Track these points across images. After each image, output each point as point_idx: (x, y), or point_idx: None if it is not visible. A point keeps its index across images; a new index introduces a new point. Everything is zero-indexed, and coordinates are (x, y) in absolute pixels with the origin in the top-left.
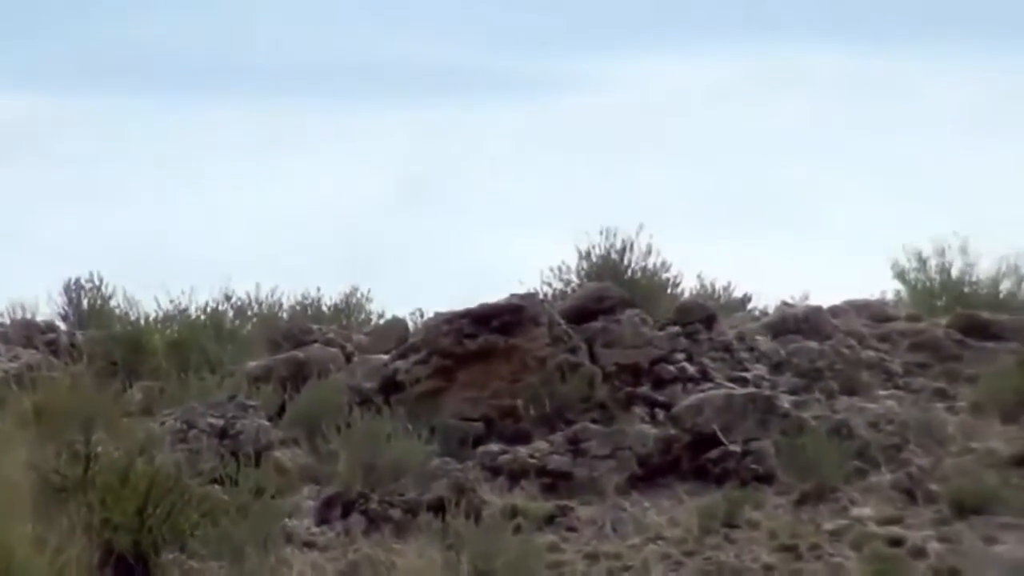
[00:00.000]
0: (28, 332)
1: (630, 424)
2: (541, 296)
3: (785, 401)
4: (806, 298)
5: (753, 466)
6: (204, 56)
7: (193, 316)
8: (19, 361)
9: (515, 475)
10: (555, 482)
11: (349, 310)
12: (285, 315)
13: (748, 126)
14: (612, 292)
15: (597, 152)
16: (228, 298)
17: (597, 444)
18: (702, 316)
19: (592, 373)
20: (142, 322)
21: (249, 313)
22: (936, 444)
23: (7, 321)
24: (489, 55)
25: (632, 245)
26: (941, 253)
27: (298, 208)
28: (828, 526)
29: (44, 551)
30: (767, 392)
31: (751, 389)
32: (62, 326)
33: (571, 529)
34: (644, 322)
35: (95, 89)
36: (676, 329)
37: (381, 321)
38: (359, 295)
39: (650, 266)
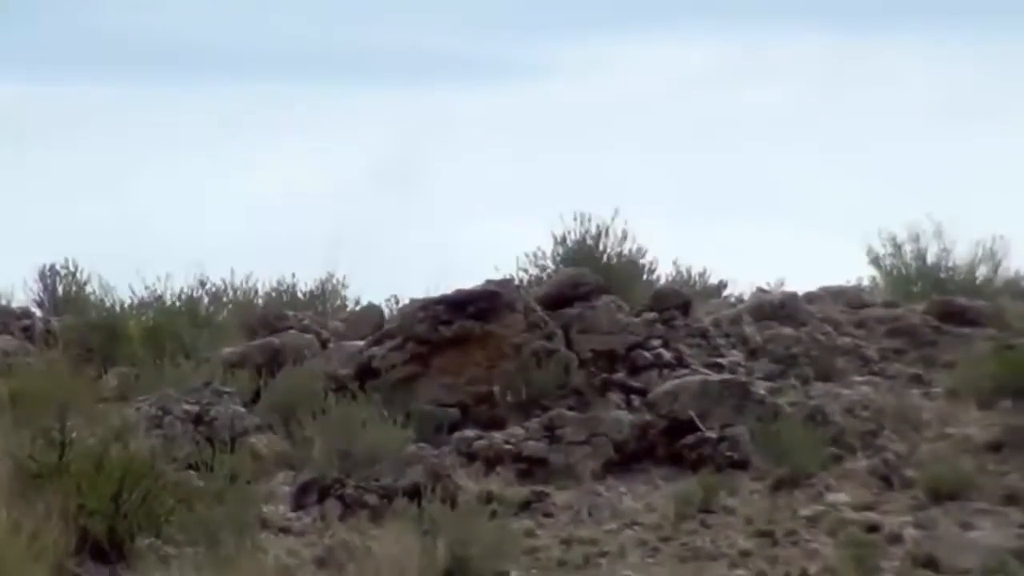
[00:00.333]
0: (3, 318)
1: (606, 410)
2: (517, 282)
3: (761, 387)
4: (782, 285)
5: (729, 452)
6: (180, 42)
7: (168, 302)
8: None
9: (491, 461)
10: (531, 468)
11: (324, 296)
12: (260, 301)
13: (725, 112)
14: (588, 278)
15: (573, 138)
16: (203, 284)
17: (573, 430)
18: (678, 302)
19: (568, 359)
20: (117, 308)
21: (224, 299)
22: (912, 430)
23: None
24: (466, 41)
25: (607, 231)
26: (916, 239)
27: (273, 194)
28: (804, 512)
29: (19, 537)
30: (743, 378)
31: (727, 375)
32: (37, 312)
33: (547, 515)
34: (620, 308)
35: (70, 75)
36: (652, 315)
37: (357, 307)
38: (334, 281)
39: (626, 252)
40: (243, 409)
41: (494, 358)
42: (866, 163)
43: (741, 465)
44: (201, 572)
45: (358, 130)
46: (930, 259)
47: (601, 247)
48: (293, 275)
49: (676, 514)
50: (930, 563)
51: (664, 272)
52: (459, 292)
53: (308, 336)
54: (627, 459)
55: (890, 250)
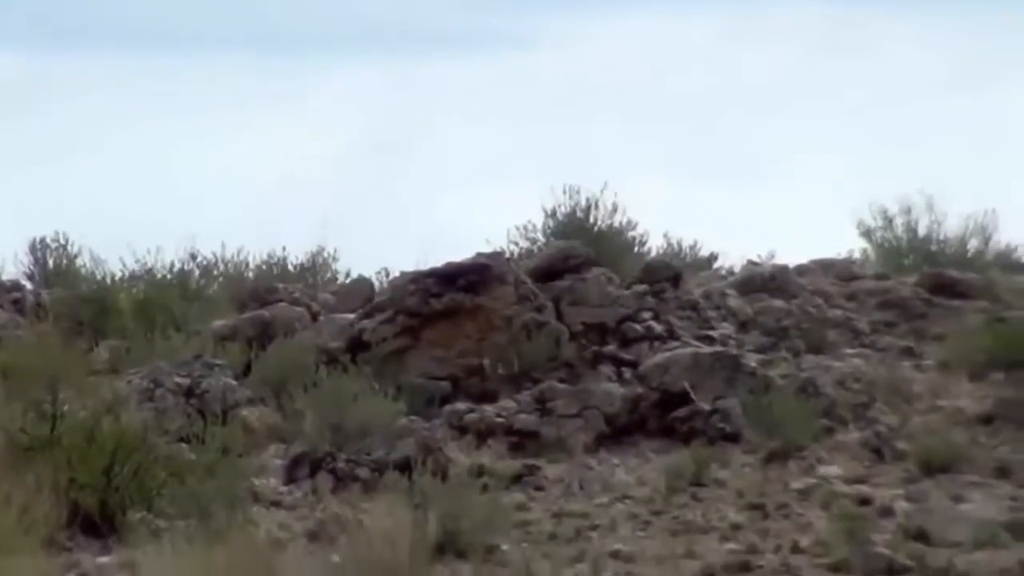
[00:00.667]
0: None
1: (597, 383)
2: (507, 255)
3: (752, 360)
4: (773, 257)
5: (720, 425)
6: (173, 15)
7: (159, 275)
8: None
9: (482, 434)
10: (522, 441)
11: (315, 269)
12: (251, 274)
13: (716, 83)
14: (578, 251)
15: (564, 110)
16: (194, 257)
17: (564, 403)
18: (669, 275)
19: (559, 332)
20: (108, 281)
21: (215, 272)
22: (903, 402)
23: None
24: (456, 14)
25: (597, 203)
26: (907, 211)
27: (264, 167)
28: (795, 485)
29: (10, 510)
30: (734, 351)
31: (718, 348)
32: (28, 285)
33: (538, 488)
34: (611, 281)
35: (62, 49)
36: (643, 288)
37: (347, 280)
38: (325, 254)
39: (616, 224)
40: (234, 382)
41: (485, 331)
42: (857, 135)
43: (732, 438)
44: (192, 545)
45: (348, 103)
46: (921, 232)
47: (591, 219)
48: (284, 248)
49: (667, 487)
50: (921, 536)
51: (655, 244)
52: (450, 265)
53: (298, 309)
54: (618, 432)
55: (881, 223)
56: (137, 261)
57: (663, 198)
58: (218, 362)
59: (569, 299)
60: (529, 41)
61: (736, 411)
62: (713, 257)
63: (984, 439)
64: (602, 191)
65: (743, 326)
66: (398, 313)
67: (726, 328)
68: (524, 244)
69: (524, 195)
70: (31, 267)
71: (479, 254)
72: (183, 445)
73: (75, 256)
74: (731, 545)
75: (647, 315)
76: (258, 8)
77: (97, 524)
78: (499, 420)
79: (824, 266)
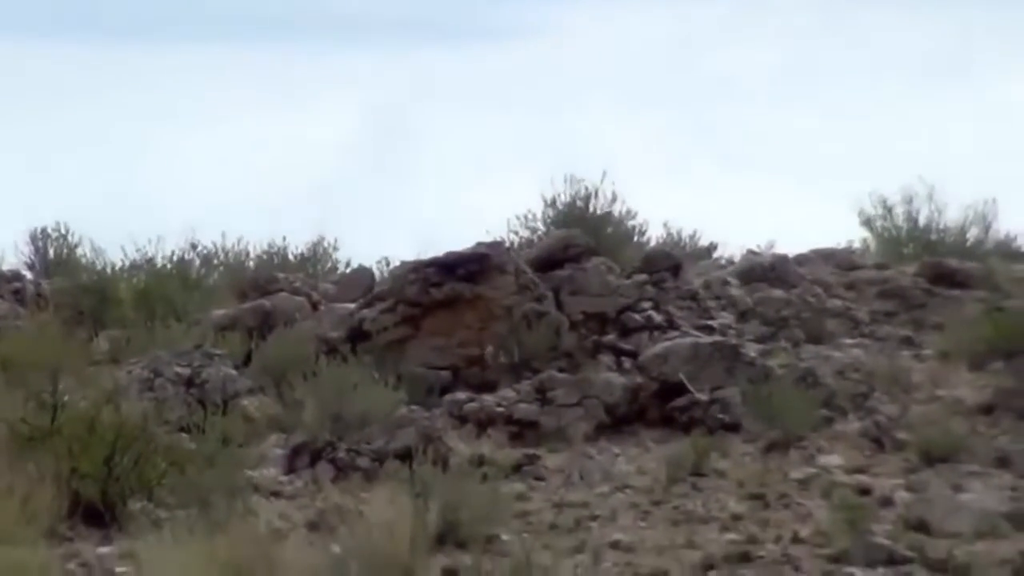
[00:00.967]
0: None
1: (597, 373)
2: (507, 244)
3: (751, 349)
4: (772, 246)
5: (720, 415)
6: (168, 6)
7: (159, 265)
8: None
9: (482, 423)
10: (522, 431)
11: (315, 259)
12: (251, 264)
13: (716, 73)
14: (578, 240)
15: (563, 99)
16: (194, 247)
17: (564, 393)
18: (668, 264)
19: (558, 322)
20: (108, 271)
21: (215, 262)
22: (903, 392)
23: None
24: (455, 3)
25: (597, 192)
26: (908, 201)
27: (265, 157)
28: (796, 475)
29: (11, 500)
30: (733, 341)
31: (717, 337)
32: (28, 275)
33: (538, 478)
34: (610, 270)
35: (63, 38)
36: (643, 277)
37: (347, 270)
38: (325, 244)
39: (616, 213)
40: (234, 372)
41: (485, 320)
42: (858, 125)
43: (732, 428)
44: (193, 535)
45: (348, 93)
46: (921, 221)
47: (591, 209)
48: (284, 238)
49: (667, 477)
50: (921, 526)
51: (655, 234)
52: (449, 254)
53: (299, 299)
54: (618, 422)
55: (881, 212)
56: (138, 251)
57: (663, 187)
58: (218, 352)
59: (569, 289)
60: (529, 30)
61: (736, 401)
62: (713, 247)
63: (984, 429)
64: (602, 180)
65: (743, 316)
66: (398, 303)
67: (726, 318)
68: (524, 233)
69: (524, 184)
70: (31, 257)
71: (479, 243)
72: (183, 435)
73: (75, 246)
74: (731, 535)
75: (647, 305)
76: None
77: (98, 514)
78: (499, 410)
79: (824, 256)
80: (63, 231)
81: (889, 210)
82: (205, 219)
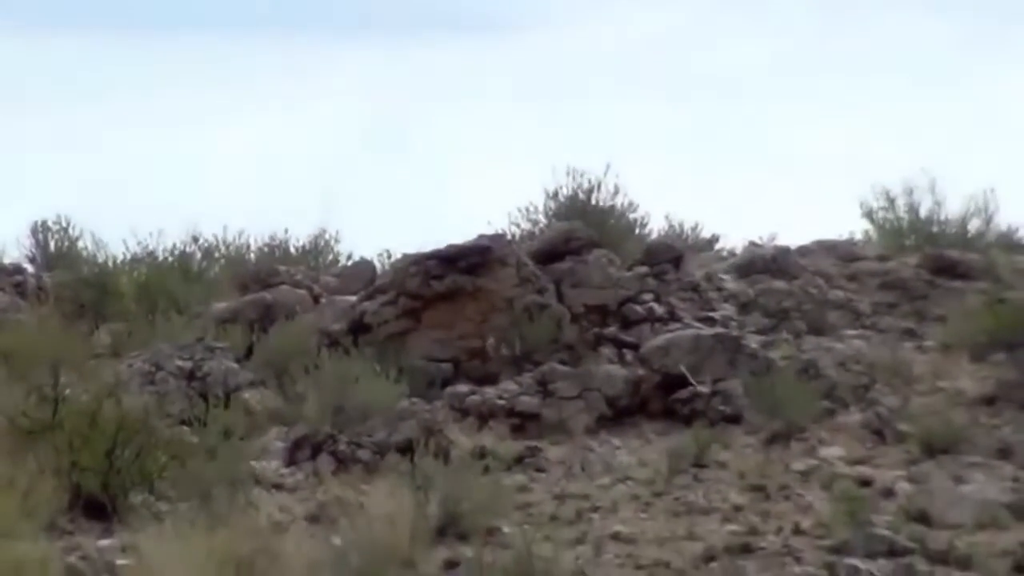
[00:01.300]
0: None
1: (598, 365)
2: (509, 237)
3: (753, 341)
4: (774, 238)
5: (721, 406)
6: (170, 2)
7: (161, 258)
8: None
9: (483, 416)
10: (524, 423)
11: (317, 251)
12: (253, 257)
13: (717, 65)
14: (580, 232)
15: (566, 91)
16: (196, 240)
17: (565, 385)
18: (670, 256)
19: (560, 314)
20: (110, 264)
21: (216, 255)
22: (904, 384)
23: None
24: None
25: (600, 185)
26: (909, 192)
27: (266, 149)
28: (797, 466)
29: (13, 494)
30: (735, 332)
31: (719, 329)
32: (29, 268)
33: (540, 470)
34: (612, 263)
35: (62, 31)
36: (644, 269)
37: (349, 262)
38: (327, 236)
39: (618, 206)
40: (236, 365)
41: (486, 313)
42: (860, 117)
43: (734, 419)
44: (194, 528)
45: (349, 86)
46: (923, 212)
47: (593, 201)
48: (285, 230)
49: (669, 469)
50: (923, 517)
51: (656, 226)
52: (451, 247)
53: (300, 291)
54: (620, 414)
55: (883, 203)
56: (139, 243)
57: (665, 179)
58: (219, 345)
59: (570, 281)
60: (530, 22)
61: (737, 393)
62: (715, 238)
63: (985, 420)
64: (604, 173)
65: (744, 308)
66: (400, 295)
67: (727, 310)
68: (526, 226)
69: (526, 177)
70: (33, 250)
71: (481, 236)
72: (184, 428)
73: (77, 239)
74: (732, 526)
75: (648, 297)
76: None
77: (99, 507)
78: (500, 402)
79: (826, 247)
80: (64, 224)
81: (891, 201)
82: (206, 212)
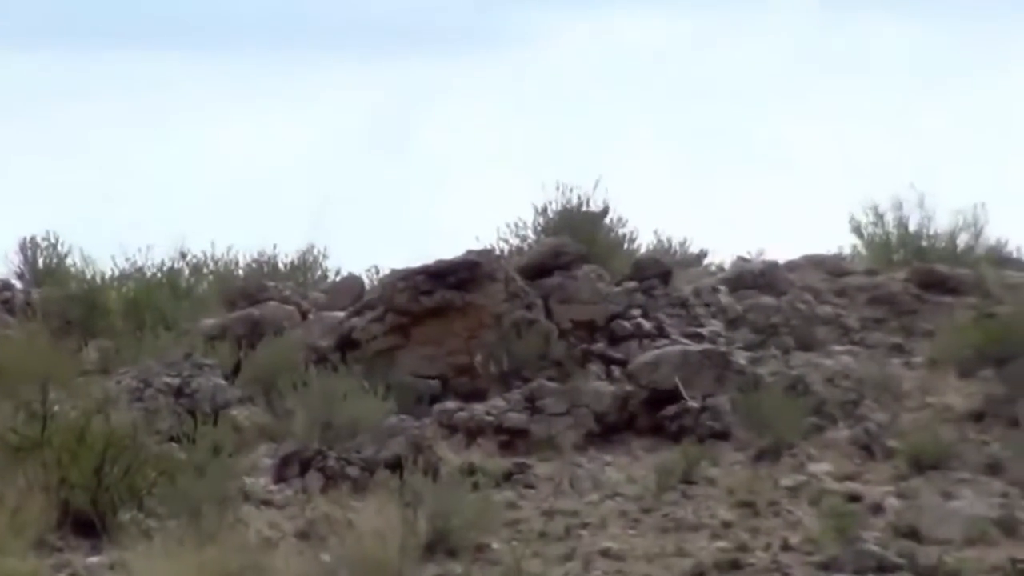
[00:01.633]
0: None
1: (586, 381)
2: (497, 252)
3: (741, 357)
4: (762, 253)
5: (710, 422)
6: (163, 10)
7: (149, 274)
8: None
9: (472, 432)
10: (512, 439)
11: (305, 267)
12: (241, 273)
13: (706, 79)
14: (569, 247)
15: (554, 106)
16: (184, 256)
17: (554, 401)
18: (658, 272)
19: (548, 330)
20: (98, 280)
21: (205, 271)
22: (893, 400)
23: None
24: (444, 10)
25: (589, 200)
26: (898, 207)
27: (254, 165)
28: (786, 482)
29: (2, 510)
30: (723, 348)
31: (707, 345)
32: (18, 284)
33: (529, 486)
34: (600, 278)
35: (50, 44)
36: (632, 285)
37: (337, 278)
38: (315, 252)
39: (606, 221)
40: (224, 381)
41: (474, 329)
42: (847, 131)
43: (722, 436)
44: (183, 545)
45: (340, 100)
46: (911, 227)
47: (584, 209)
48: (274, 246)
49: (657, 485)
50: (912, 533)
51: (645, 241)
52: (439, 262)
53: (288, 307)
54: (608, 430)
55: (872, 218)
56: (127, 259)
57: (654, 194)
58: (208, 361)
59: (559, 296)
60: (519, 38)
61: (726, 409)
62: (703, 254)
63: (974, 436)
64: (593, 188)
65: (732, 323)
66: (388, 311)
67: (715, 325)
68: (514, 241)
69: (515, 192)
70: (21, 266)
71: (469, 251)
72: (173, 445)
73: (65, 255)
74: (721, 543)
75: (636, 312)
76: (246, 8)
77: (88, 524)
78: (489, 418)
79: (814, 262)
80: (52, 240)
81: (879, 216)
82: (195, 227)
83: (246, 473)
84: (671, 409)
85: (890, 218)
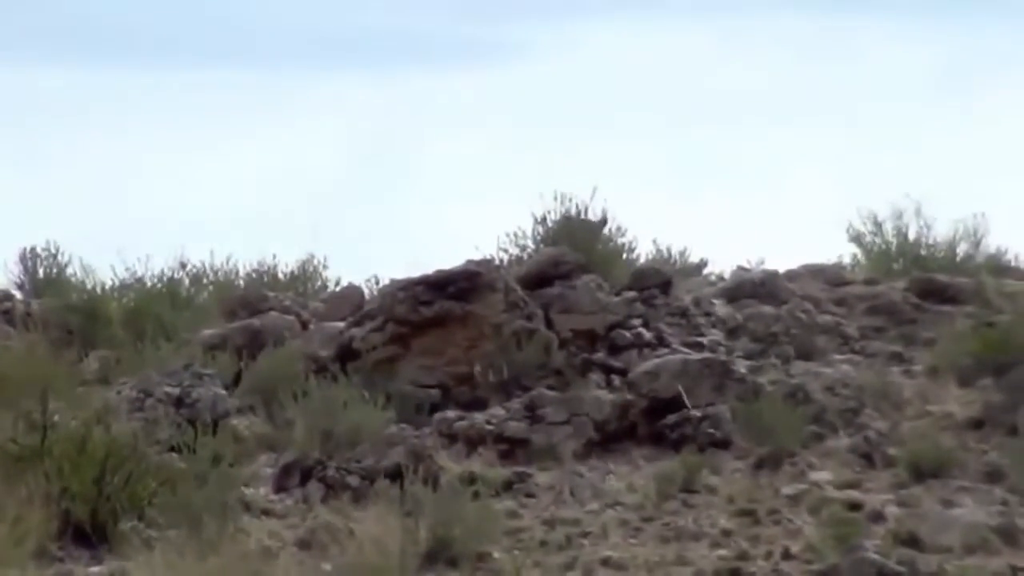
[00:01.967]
0: None
1: (586, 390)
2: (497, 262)
3: (741, 366)
4: (762, 263)
5: (710, 431)
6: (159, 24)
7: (149, 284)
8: None
9: (472, 442)
10: (512, 448)
11: (305, 277)
12: (241, 283)
13: (704, 91)
14: (568, 257)
15: (553, 118)
16: (183, 266)
17: (554, 410)
18: (658, 281)
19: (548, 339)
20: (98, 291)
21: (205, 281)
22: (893, 408)
23: None
24: (443, 23)
25: (587, 210)
26: (897, 216)
27: (254, 175)
28: (786, 491)
29: (2, 520)
30: (723, 357)
31: (707, 354)
32: (18, 295)
33: (529, 495)
34: (600, 287)
35: (50, 57)
36: (632, 294)
37: (337, 288)
38: (315, 262)
39: (606, 231)
40: (224, 391)
41: (474, 339)
42: (846, 141)
43: (723, 444)
44: (183, 555)
45: (338, 112)
46: (911, 236)
47: (582, 217)
48: (274, 256)
49: (658, 494)
50: (912, 541)
51: (644, 251)
52: (439, 272)
53: (288, 317)
54: (608, 439)
55: (871, 227)
56: (127, 270)
57: (653, 205)
58: (208, 371)
59: (559, 306)
60: (519, 50)
61: (726, 417)
62: (703, 263)
63: (974, 444)
64: (592, 197)
65: (732, 332)
66: (388, 321)
67: (715, 334)
68: (514, 251)
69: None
70: (21, 276)
71: (469, 261)
72: (173, 455)
73: (65, 265)
74: (722, 551)
75: (636, 322)
76: (247, 20)
77: (88, 534)
78: (489, 428)
79: (813, 271)
80: (53, 251)
81: (879, 225)
82: (194, 237)
83: (247, 483)
84: (671, 418)
85: (889, 227)
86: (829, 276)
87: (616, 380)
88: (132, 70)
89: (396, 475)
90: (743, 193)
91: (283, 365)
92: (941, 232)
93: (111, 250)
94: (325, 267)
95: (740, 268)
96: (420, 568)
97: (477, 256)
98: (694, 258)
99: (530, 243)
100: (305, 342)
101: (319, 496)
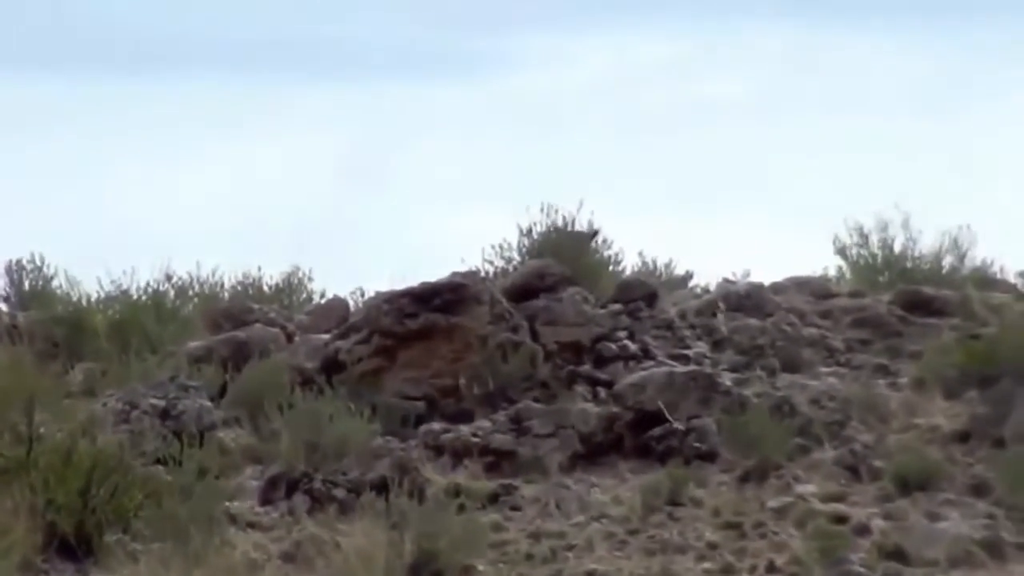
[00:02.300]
0: None
1: (572, 402)
2: (483, 274)
3: (727, 379)
4: (748, 275)
5: (696, 444)
6: (144, 34)
7: (134, 296)
8: None
9: (458, 454)
10: (498, 461)
11: (290, 290)
12: (226, 295)
13: (692, 102)
14: (554, 269)
15: (539, 129)
16: (169, 278)
17: (539, 423)
18: (644, 293)
19: (534, 351)
20: (84, 303)
21: (190, 293)
22: (879, 421)
23: None
24: (430, 34)
25: (573, 222)
26: (883, 228)
27: (239, 187)
28: (772, 503)
29: None
30: (708, 370)
31: (693, 367)
32: (3, 307)
33: (514, 508)
34: (586, 300)
35: (34, 68)
36: (618, 307)
37: (322, 300)
38: (300, 275)
39: (592, 244)
40: (210, 403)
41: (460, 351)
42: (832, 154)
43: (709, 457)
44: (169, 568)
45: (324, 122)
46: (896, 249)
47: (567, 238)
48: (259, 268)
49: (644, 507)
50: (898, 554)
51: (630, 263)
52: (424, 285)
53: (274, 330)
54: (594, 452)
55: (857, 240)
56: (112, 282)
57: (639, 216)
58: (193, 384)
59: (544, 318)
60: (505, 61)
61: (711, 430)
62: (688, 275)
63: (959, 457)
64: (578, 209)
65: (718, 345)
66: (373, 333)
67: (701, 347)
68: (499, 263)
69: (501, 215)
70: (6, 289)
71: (454, 273)
72: (159, 467)
73: (51, 278)
74: (707, 564)
75: (622, 334)
76: (232, 31)
77: (74, 546)
78: (475, 440)
79: (799, 284)
80: (38, 263)
81: (864, 238)
82: (180, 249)
83: (232, 495)
84: (657, 430)
85: (875, 240)
86: (815, 288)
87: (602, 392)
88: (117, 80)
89: (382, 487)
90: (729, 205)
91: (269, 377)
92: (927, 244)
93: (97, 262)
94: (310, 279)
95: (726, 280)
96: None
97: (463, 268)
98: (680, 270)
99: (516, 255)
100: (290, 354)
101: (305, 508)
